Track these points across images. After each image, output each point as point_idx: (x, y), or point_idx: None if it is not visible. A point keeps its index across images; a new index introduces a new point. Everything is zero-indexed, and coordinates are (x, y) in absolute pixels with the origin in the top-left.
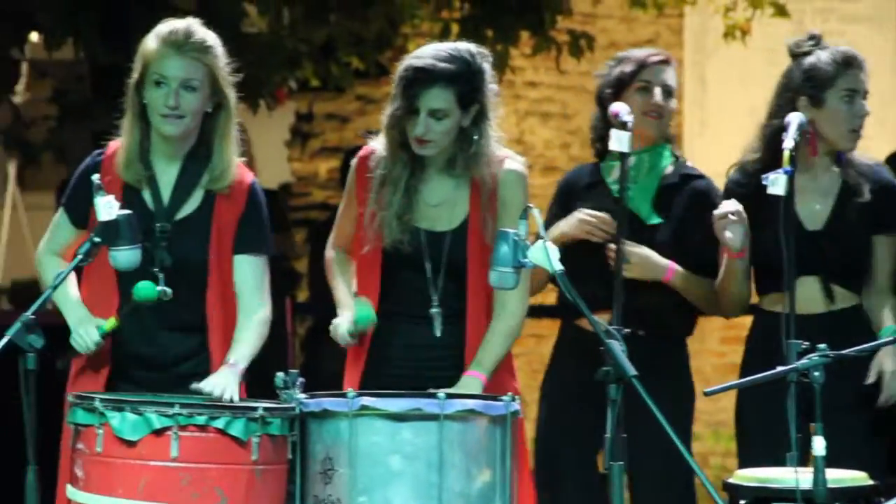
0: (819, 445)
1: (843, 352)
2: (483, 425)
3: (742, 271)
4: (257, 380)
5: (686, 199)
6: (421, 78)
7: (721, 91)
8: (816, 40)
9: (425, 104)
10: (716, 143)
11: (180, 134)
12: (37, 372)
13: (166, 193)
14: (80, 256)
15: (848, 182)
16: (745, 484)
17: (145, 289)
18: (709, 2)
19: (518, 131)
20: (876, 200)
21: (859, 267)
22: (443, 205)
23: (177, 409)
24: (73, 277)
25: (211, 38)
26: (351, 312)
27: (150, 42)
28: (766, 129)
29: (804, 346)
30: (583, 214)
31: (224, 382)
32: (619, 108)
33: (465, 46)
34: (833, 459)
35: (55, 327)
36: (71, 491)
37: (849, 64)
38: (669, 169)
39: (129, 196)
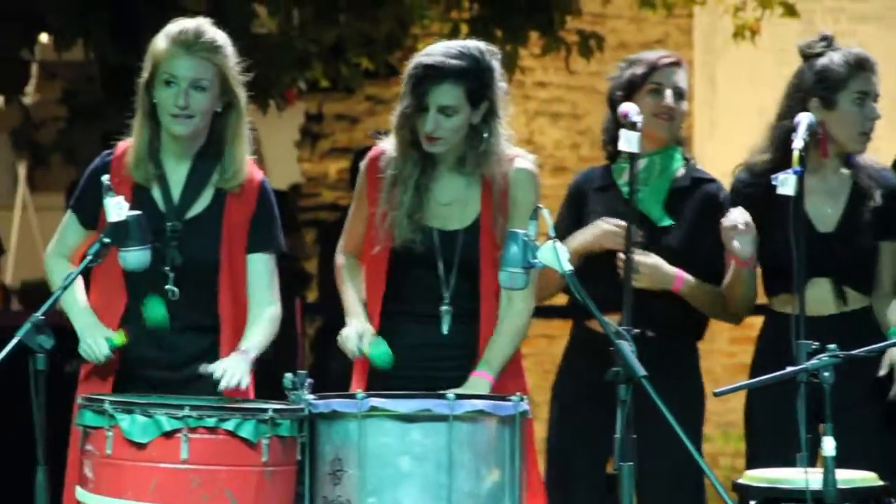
0: (829, 446)
1: (853, 352)
2: (492, 426)
3: (750, 277)
4: (266, 380)
5: (697, 202)
6: (430, 75)
7: (731, 91)
8: (828, 41)
9: (435, 101)
10: (725, 143)
11: (190, 133)
12: (46, 373)
13: (176, 192)
14: (89, 257)
15: (859, 184)
16: (755, 484)
17: (156, 314)
18: (718, 2)
19: (528, 132)
20: (886, 205)
21: (871, 269)
22: (454, 203)
23: (187, 411)
24: (80, 281)
25: (221, 37)
26: (360, 325)
27: (160, 41)
28: (776, 131)
29: (814, 347)
30: (607, 224)
31: (234, 367)
32: (629, 109)
33: (475, 44)
34: (843, 460)
35: (65, 329)
36: (80, 493)
37: (861, 66)
38: (681, 172)
39: (139, 196)
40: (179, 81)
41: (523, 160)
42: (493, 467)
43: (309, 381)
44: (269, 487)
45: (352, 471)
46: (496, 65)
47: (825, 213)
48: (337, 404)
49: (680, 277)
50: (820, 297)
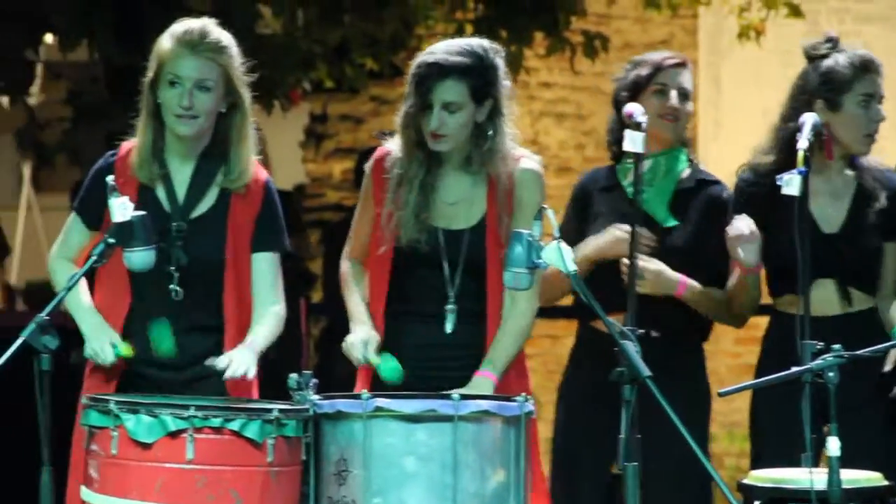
0: (833, 446)
1: (858, 352)
2: (497, 426)
3: (755, 282)
4: (271, 381)
5: (702, 203)
6: (434, 72)
7: (735, 91)
8: (833, 43)
9: (438, 97)
10: (730, 143)
11: (194, 134)
12: (51, 373)
13: (181, 192)
14: (94, 257)
15: (864, 186)
16: (760, 485)
17: (164, 344)
18: (723, 2)
19: (533, 132)
20: (891, 206)
21: (876, 270)
22: (460, 203)
23: (192, 412)
24: (84, 283)
25: (226, 37)
26: (365, 332)
27: (165, 42)
28: (780, 132)
29: (819, 347)
30: (620, 232)
31: (241, 358)
32: (633, 109)
33: (478, 41)
34: (847, 460)
35: (69, 329)
36: (85, 493)
37: (866, 68)
38: (686, 173)
39: (144, 196)
40: (184, 82)
41: (529, 160)
42: (498, 468)
43: (314, 381)
44: (275, 487)
45: (357, 471)
46: (500, 62)
47: (829, 213)
48: (342, 405)
49: (683, 283)
50: (824, 298)
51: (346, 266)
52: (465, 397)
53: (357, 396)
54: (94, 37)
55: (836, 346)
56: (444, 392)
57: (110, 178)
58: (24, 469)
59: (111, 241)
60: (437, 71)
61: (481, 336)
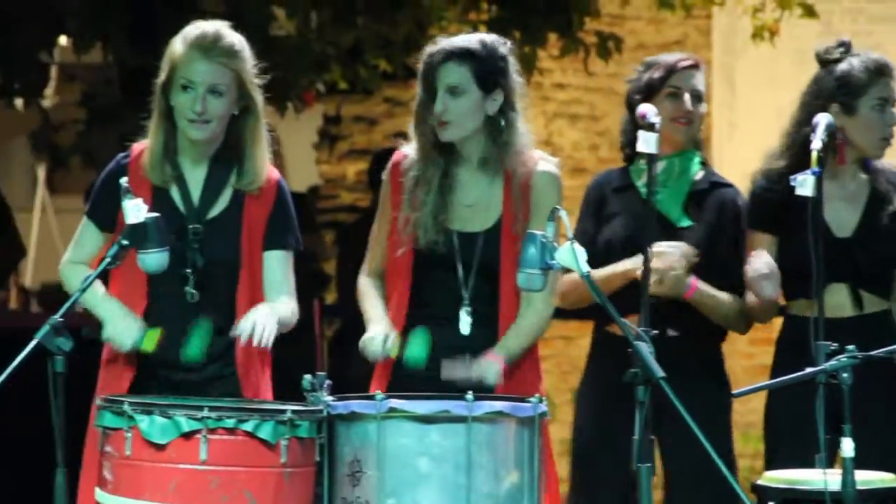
0: (847, 447)
1: (872, 353)
2: (511, 427)
3: (774, 307)
4: (285, 382)
5: (715, 206)
6: (437, 58)
7: (750, 92)
8: (846, 47)
9: (442, 81)
10: (745, 144)
11: (207, 138)
12: (65, 374)
13: (196, 194)
14: (108, 259)
15: (877, 189)
16: (774, 485)
17: (195, 352)
18: (737, 3)
19: (546, 133)
20: None
21: (889, 273)
22: (477, 205)
23: (206, 413)
24: (98, 282)
25: (239, 41)
26: (384, 327)
27: (178, 45)
28: (793, 136)
29: (833, 348)
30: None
31: (264, 319)
32: (647, 110)
33: (485, 34)
34: (862, 461)
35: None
36: (99, 494)
37: (881, 72)
38: (700, 175)
39: (158, 197)
40: (197, 87)
41: (547, 163)
42: (511, 469)
43: (328, 382)
44: (288, 488)
45: (371, 472)
46: (507, 53)
47: (843, 217)
48: (356, 405)
49: (693, 286)
50: (837, 303)
51: (363, 280)
52: (478, 398)
53: (371, 397)
54: (108, 39)
55: (850, 347)
56: (458, 393)
57: (124, 180)
58: (38, 470)
59: (125, 242)
60: (440, 56)
61: (495, 339)
